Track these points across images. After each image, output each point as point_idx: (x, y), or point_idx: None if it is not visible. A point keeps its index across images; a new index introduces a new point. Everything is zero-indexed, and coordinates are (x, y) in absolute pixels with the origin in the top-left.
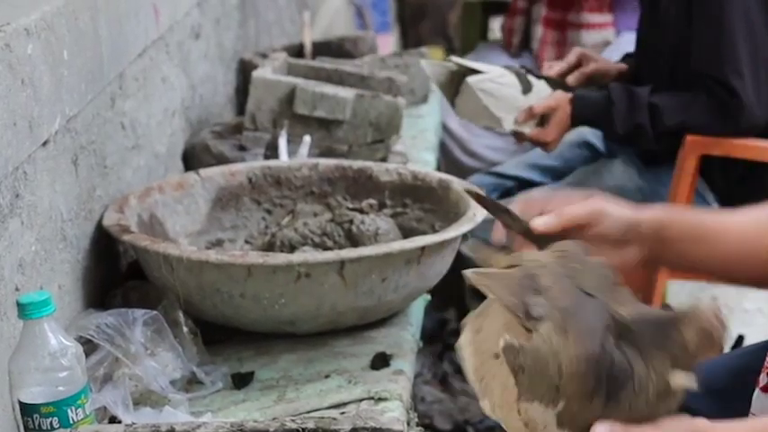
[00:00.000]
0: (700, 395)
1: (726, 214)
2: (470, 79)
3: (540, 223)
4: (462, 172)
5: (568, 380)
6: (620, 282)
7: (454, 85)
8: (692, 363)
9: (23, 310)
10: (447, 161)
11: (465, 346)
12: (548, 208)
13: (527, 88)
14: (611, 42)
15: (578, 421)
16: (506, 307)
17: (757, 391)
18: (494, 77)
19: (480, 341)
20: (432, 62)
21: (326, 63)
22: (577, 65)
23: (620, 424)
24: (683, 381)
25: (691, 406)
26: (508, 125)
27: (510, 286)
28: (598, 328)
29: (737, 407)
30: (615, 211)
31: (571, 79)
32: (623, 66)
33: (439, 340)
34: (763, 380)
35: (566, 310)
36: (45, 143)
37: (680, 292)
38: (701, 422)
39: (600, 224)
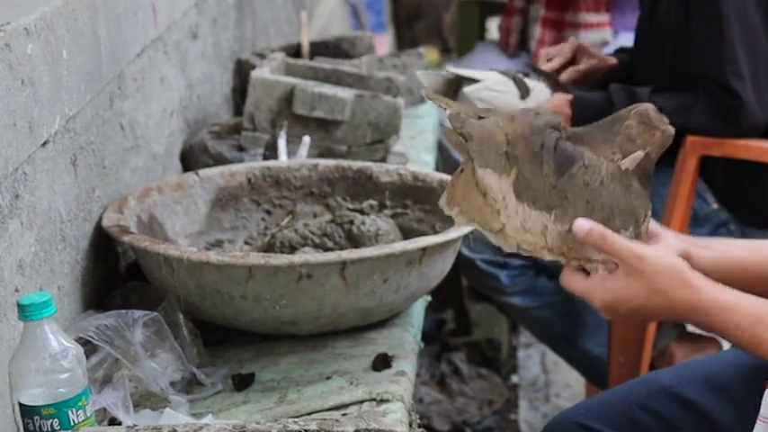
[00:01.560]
0: (711, 393)
1: (732, 246)
2: (467, 89)
3: None
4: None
5: (515, 142)
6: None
7: (450, 93)
8: (639, 148)
9: (24, 311)
10: (445, 161)
11: (441, 198)
12: None
13: (525, 93)
14: (609, 42)
15: (534, 191)
16: (456, 110)
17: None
18: (490, 85)
19: (449, 186)
20: (427, 72)
21: (325, 63)
22: (572, 59)
23: (600, 225)
24: (630, 161)
25: (701, 404)
26: None
27: (466, 108)
28: (543, 121)
29: (748, 406)
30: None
31: (564, 76)
32: (614, 60)
33: (437, 341)
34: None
35: (512, 114)
36: (44, 143)
37: None
38: (684, 264)
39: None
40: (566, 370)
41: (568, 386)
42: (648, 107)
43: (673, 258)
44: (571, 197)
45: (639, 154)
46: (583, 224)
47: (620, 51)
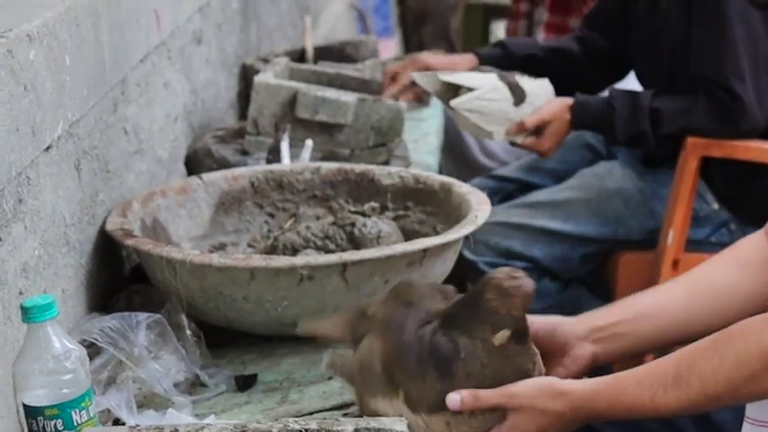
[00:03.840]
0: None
1: (660, 293)
2: (454, 103)
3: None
4: (480, 172)
5: (392, 369)
6: (449, 289)
7: (450, 93)
8: (505, 320)
9: (27, 313)
10: (466, 161)
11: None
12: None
13: (520, 99)
14: None
15: (425, 402)
16: (333, 339)
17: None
18: (482, 94)
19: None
20: (424, 74)
21: (328, 67)
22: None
23: (468, 389)
24: (500, 336)
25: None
26: (499, 137)
27: (340, 324)
28: (412, 323)
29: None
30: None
31: (402, 97)
32: (472, 60)
33: None
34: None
35: (384, 321)
36: (48, 148)
37: None
38: (555, 378)
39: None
40: None
41: None
42: (501, 278)
43: (538, 379)
44: (454, 387)
45: (506, 333)
46: (454, 398)
47: (499, 44)
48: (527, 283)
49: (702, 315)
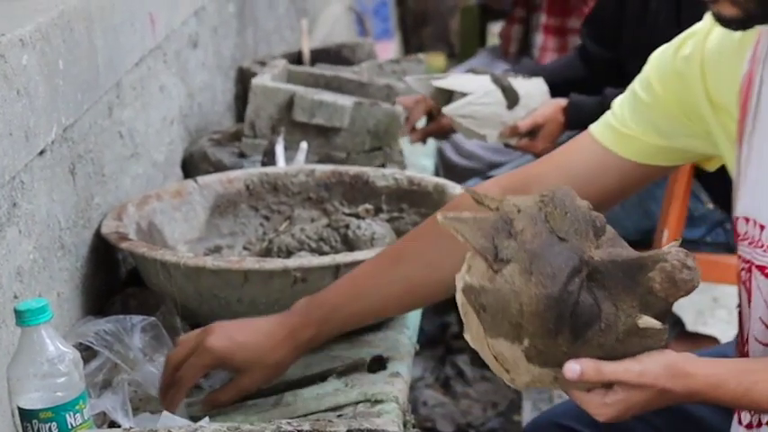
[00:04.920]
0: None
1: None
2: (446, 109)
3: None
4: (457, 173)
5: (529, 318)
6: (601, 221)
7: (442, 99)
8: (660, 305)
9: (21, 317)
10: (443, 163)
11: (458, 280)
12: None
13: (513, 102)
14: None
15: (546, 358)
16: (474, 250)
17: (734, 424)
18: (475, 99)
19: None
20: (419, 78)
21: (326, 70)
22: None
23: (590, 359)
24: (650, 323)
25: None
26: (493, 139)
27: (483, 229)
28: (563, 269)
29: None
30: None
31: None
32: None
33: (440, 344)
34: (745, 418)
35: (533, 252)
36: (42, 152)
37: None
38: (677, 356)
39: None
40: None
41: None
42: (675, 266)
43: (665, 356)
44: (583, 356)
45: (657, 324)
46: (573, 368)
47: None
48: (698, 277)
49: None
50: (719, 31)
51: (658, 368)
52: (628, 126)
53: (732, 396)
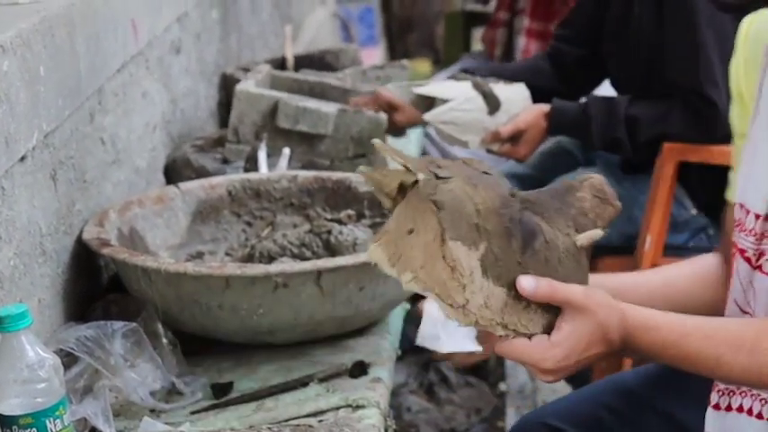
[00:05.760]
0: (673, 394)
1: (638, 274)
2: (427, 116)
3: None
4: None
5: (486, 216)
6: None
7: (424, 105)
8: (590, 225)
9: (1, 323)
10: None
11: (373, 251)
12: None
13: (494, 108)
14: None
15: (501, 267)
16: (413, 167)
17: (710, 409)
18: (456, 105)
19: (388, 240)
20: (399, 84)
21: (310, 76)
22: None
23: (545, 278)
24: (586, 238)
25: (664, 405)
26: (474, 145)
27: (417, 161)
28: (501, 185)
29: (701, 401)
30: None
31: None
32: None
33: (425, 350)
34: (713, 398)
35: (469, 176)
36: (23, 158)
37: None
38: (618, 301)
39: None
40: None
41: (555, 393)
42: (602, 180)
43: (603, 292)
44: (533, 271)
45: (598, 232)
46: (529, 281)
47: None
48: (618, 204)
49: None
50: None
51: (601, 297)
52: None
53: (662, 343)
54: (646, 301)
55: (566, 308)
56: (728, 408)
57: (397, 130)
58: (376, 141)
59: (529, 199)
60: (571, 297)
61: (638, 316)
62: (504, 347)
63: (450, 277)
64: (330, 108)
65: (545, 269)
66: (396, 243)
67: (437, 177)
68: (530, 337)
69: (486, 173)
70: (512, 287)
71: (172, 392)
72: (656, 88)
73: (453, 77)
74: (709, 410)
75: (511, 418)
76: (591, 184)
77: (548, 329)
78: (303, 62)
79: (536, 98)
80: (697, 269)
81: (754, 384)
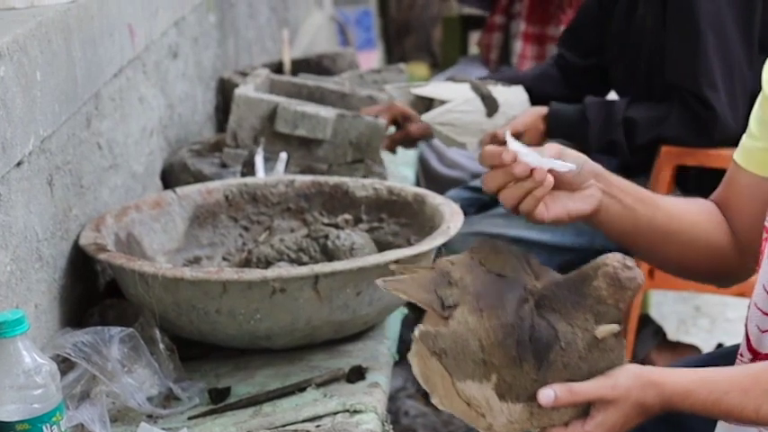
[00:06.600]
0: None
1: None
2: (426, 117)
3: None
4: (441, 182)
5: (491, 351)
6: (534, 261)
7: (422, 107)
8: (611, 311)
9: None
10: (426, 172)
11: (412, 355)
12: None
13: (492, 110)
14: None
15: (517, 390)
16: (420, 303)
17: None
18: (454, 107)
19: (420, 354)
20: (398, 86)
21: (309, 80)
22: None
23: (562, 384)
24: (607, 329)
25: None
26: (472, 147)
27: (423, 285)
28: (510, 300)
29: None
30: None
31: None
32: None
33: None
34: None
35: (478, 293)
36: (19, 164)
37: (662, 302)
38: (644, 367)
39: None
40: None
41: None
42: (616, 267)
43: (632, 368)
44: (552, 381)
45: (615, 327)
46: (548, 393)
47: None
48: (640, 275)
49: (677, 236)
50: None
51: (629, 380)
52: (755, 138)
53: (703, 405)
54: (666, 223)
55: (595, 403)
56: None
57: (409, 141)
58: (380, 283)
59: (545, 295)
60: (596, 395)
61: (674, 385)
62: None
63: (469, 409)
64: (329, 113)
65: (565, 373)
66: (424, 361)
67: (443, 307)
68: (566, 424)
69: (501, 275)
70: (533, 399)
71: (169, 398)
72: (657, 91)
73: (452, 79)
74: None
75: None
76: (606, 273)
77: (583, 414)
78: (300, 66)
79: (546, 105)
80: (701, 206)
81: None
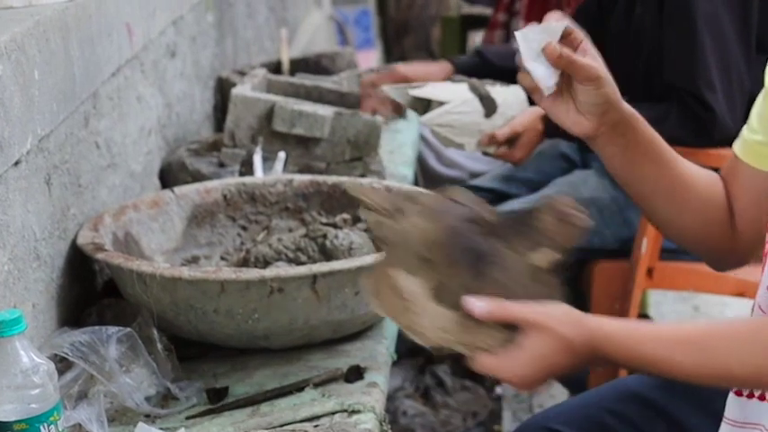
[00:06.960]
0: (678, 397)
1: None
2: (425, 119)
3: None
4: (440, 182)
5: (432, 248)
6: (492, 209)
7: (420, 107)
8: (555, 246)
9: None
10: (424, 171)
11: (363, 281)
12: None
13: (491, 111)
14: None
15: (451, 295)
16: (374, 205)
17: (731, 395)
18: (452, 108)
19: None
20: (395, 87)
21: (306, 80)
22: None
23: (495, 299)
24: (543, 258)
25: (669, 408)
26: (471, 148)
27: (387, 198)
28: (460, 216)
29: (715, 408)
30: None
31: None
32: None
33: (420, 354)
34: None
35: (433, 209)
36: (17, 163)
37: (661, 302)
38: (582, 313)
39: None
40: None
41: (552, 397)
42: (564, 202)
43: (563, 306)
44: (484, 295)
45: (554, 255)
46: (479, 304)
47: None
48: (586, 219)
49: (678, 183)
50: None
51: (561, 314)
52: (754, 131)
53: (622, 352)
54: (680, 176)
55: (523, 326)
56: (750, 395)
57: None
58: (348, 185)
59: (492, 223)
60: (526, 316)
61: (598, 329)
62: (475, 364)
63: (402, 305)
64: (326, 111)
65: (504, 292)
66: (375, 273)
67: (396, 211)
68: (495, 352)
69: (463, 204)
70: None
71: (167, 398)
72: (656, 90)
73: (450, 78)
74: (731, 396)
75: (507, 422)
76: (551, 206)
77: (511, 344)
78: (299, 66)
79: None
80: (714, 177)
81: (706, 383)
